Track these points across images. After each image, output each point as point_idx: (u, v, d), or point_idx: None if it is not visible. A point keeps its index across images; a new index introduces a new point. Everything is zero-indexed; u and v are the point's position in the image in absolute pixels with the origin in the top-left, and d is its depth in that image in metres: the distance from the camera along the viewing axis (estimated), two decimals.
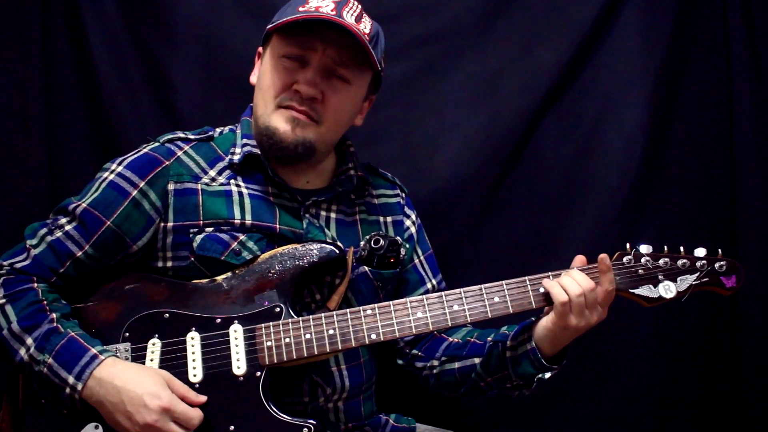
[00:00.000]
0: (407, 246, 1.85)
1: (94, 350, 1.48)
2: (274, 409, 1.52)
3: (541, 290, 1.57)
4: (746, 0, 2.23)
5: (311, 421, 1.52)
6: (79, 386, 1.45)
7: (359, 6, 1.68)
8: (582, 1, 2.26)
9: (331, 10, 1.60)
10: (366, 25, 1.66)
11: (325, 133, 1.67)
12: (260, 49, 1.76)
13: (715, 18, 2.26)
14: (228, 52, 2.20)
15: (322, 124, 1.65)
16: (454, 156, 2.27)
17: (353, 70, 1.66)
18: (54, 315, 1.52)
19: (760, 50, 2.24)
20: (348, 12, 1.62)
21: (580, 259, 1.62)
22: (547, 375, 1.64)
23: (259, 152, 1.68)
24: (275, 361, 1.54)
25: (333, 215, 1.75)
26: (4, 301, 1.52)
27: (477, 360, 1.72)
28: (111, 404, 1.45)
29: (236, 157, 1.68)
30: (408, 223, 1.89)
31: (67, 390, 1.46)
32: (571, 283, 1.54)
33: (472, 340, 1.76)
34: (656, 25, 2.26)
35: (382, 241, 1.72)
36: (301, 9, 1.63)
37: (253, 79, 1.75)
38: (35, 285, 1.55)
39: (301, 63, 1.63)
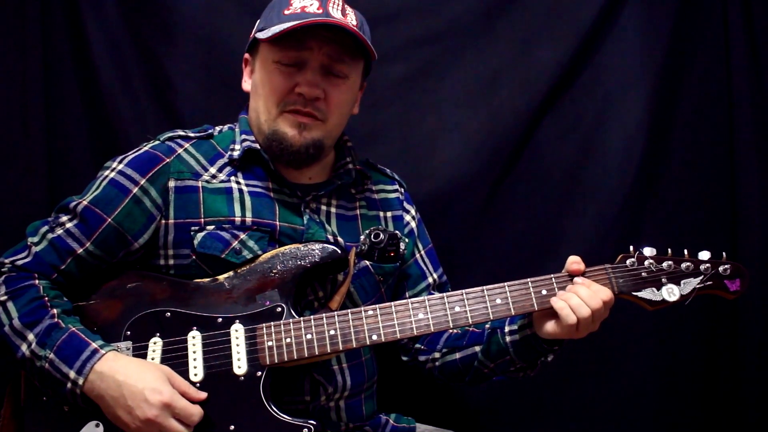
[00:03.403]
0: (407, 240, 1.86)
1: (95, 345, 1.48)
2: (275, 409, 1.51)
3: (543, 292, 1.56)
4: (746, 0, 2.23)
5: (311, 422, 1.52)
6: (80, 381, 1.45)
7: None
8: (582, 1, 2.27)
9: (318, 9, 1.62)
10: (352, 17, 1.67)
11: (331, 129, 1.70)
12: (247, 55, 1.77)
13: (715, 18, 2.27)
14: (228, 52, 2.20)
15: (327, 121, 1.67)
16: (454, 156, 2.27)
17: (349, 63, 1.68)
18: (55, 311, 1.51)
19: (760, 50, 2.24)
20: (333, 7, 1.63)
21: (575, 261, 1.58)
22: (550, 357, 1.65)
23: (259, 147, 1.69)
24: (276, 361, 1.53)
25: (333, 210, 1.76)
26: (5, 297, 1.51)
27: (477, 348, 1.72)
28: (112, 398, 1.45)
29: (236, 153, 1.69)
30: (408, 218, 1.89)
31: (69, 385, 1.45)
32: (580, 306, 1.52)
33: (471, 328, 1.77)
34: (656, 25, 2.27)
35: (381, 235, 1.73)
36: (286, 12, 1.63)
37: (246, 86, 1.76)
38: (36, 282, 1.54)
39: (298, 65, 1.64)
